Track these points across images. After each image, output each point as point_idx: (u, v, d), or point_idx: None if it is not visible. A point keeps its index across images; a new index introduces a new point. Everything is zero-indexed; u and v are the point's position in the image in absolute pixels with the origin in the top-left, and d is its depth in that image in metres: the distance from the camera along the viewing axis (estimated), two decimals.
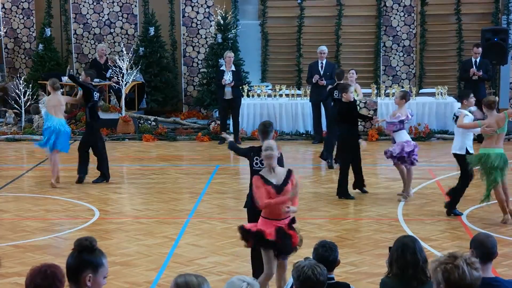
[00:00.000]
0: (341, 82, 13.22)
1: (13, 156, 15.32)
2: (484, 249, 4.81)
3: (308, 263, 4.57)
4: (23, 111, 17.18)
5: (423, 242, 8.26)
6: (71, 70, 18.77)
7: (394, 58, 19.05)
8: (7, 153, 15.54)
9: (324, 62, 15.96)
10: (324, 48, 16.08)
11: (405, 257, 4.92)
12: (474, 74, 15.68)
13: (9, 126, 17.34)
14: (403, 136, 11.25)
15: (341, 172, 11.49)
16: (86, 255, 3.99)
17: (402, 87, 17.16)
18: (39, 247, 9.09)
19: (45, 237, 9.51)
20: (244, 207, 7.91)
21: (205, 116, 18.38)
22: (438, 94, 16.73)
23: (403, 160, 11.08)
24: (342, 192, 11.37)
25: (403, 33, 18.96)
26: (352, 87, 11.81)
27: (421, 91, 17.70)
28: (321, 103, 15.77)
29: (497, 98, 11.13)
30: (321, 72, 15.83)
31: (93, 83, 13.26)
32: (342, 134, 11.54)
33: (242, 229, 7.13)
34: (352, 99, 11.51)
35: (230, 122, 16.41)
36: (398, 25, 18.95)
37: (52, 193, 11.88)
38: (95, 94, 12.59)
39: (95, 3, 19.38)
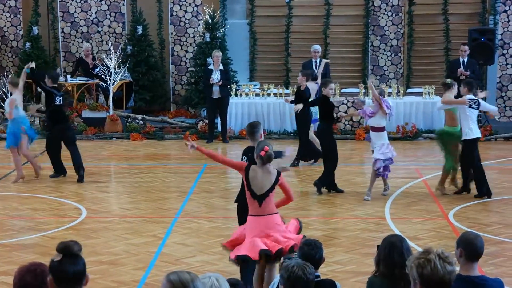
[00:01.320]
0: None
1: None
2: (473, 249, 4.82)
3: (296, 263, 4.55)
4: None
5: (410, 241, 8.29)
6: (58, 69, 18.70)
7: (382, 57, 19.10)
8: None
9: (318, 60, 16.00)
10: (317, 47, 16.11)
11: (392, 256, 4.93)
12: (461, 74, 15.74)
13: None
14: (384, 138, 11.30)
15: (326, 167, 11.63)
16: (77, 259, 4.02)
17: (390, 86, 17.22)
18: (26, 246, 9.06)
19: (32, 236, 9.48)
20: (235, 201, 7.93)
21: (193, 115, 18.36)
22: (426, 93, 16.79)
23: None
24: (333, 186, 11.60)
25: (390, 32, 19.02)
26: (333, 83, 11.93)
27: (408, 90, 17.75)
28: None
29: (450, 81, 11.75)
30: (316, 71, 15.88)
31: (56, 85, 12.82)
32: (322, 130, 11.71)
33: (225, 247, 7.26)
34: (332, 95, 11.60)
35: (218, 121, 16.41)
36: (386, 25, 19.01)
37: (39, 191, 11.85)
38: (57, 98, 12.47)
39: (82, 2, 19.32)
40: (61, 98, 12.59)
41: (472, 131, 11.00)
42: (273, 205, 7.05)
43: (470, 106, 10.94)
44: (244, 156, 7.66)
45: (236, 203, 7.88)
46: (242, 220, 7.55)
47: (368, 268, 7.64)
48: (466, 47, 16.06)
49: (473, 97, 11.05)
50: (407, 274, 4.88)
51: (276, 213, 7.06)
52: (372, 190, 11.33)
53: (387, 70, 19.15)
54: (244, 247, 7.00)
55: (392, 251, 4.95)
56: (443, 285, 3.65)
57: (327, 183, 11.63)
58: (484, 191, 11.24)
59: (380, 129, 11.33)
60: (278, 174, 7.04)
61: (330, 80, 12.55)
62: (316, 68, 15.97)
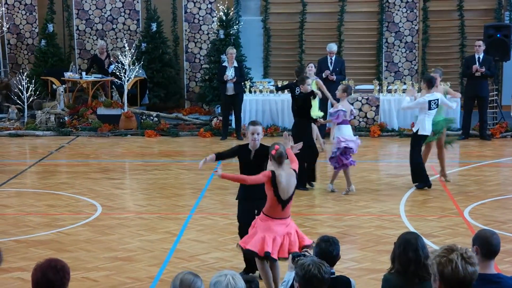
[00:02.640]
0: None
1: (15, 152, 15.33)
2: (489, 246, 4.79)
3: (312, 261, 4.52)
4: (25, 106, 17.19)
5: (425, 238, 8.27)
6: (74, 66, 18.78)
7: (396, 54, 19.03)
8: (10, 148, 15.56)
9: (333, 58, 16.01)
10: (332, 46, 16.06)
11: (407, 253, 4.92)
12: (476, 71, 15.67)
13: (12, 122, 17.36)
14: (345, 131, 11.25)
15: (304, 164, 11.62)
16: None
17: (404, 83, 17.17)
18: (41, 242, 9.10)
19: (47, 232, 9.53)
20: (236, 199, 7.99)
21: (207, 112, 18.38)
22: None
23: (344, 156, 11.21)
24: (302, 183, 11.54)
25: (405, 29, 18.95)
26: (309, 79, 11.99)
27: None
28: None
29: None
30: (331, 68, 15.90)
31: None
32: (297, 126, 11.65)
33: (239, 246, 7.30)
34: (310, 91, 11.60)
35: (232, 118, 16.42)
36: (400, 21, 18.94)
37: (55, 188, 11.90)
38: None
39: None
40: None
41: (424, 129, 11.29)
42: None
43: (429, 108, 11.21)
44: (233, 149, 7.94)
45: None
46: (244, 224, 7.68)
47: (382, 266, 7.63)
48: (482, 43, 15.98)
49: (432, 97, 11.17)
50: (422, 271, 4.90)
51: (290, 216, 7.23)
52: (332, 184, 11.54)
53: (402, 66, 19.08)
54: (256, 242, 7.03)
55: (407, 248, 4.93)
56: (463, 285, 3.62)
57: (307, 177, 11.65)
58: (423, 184, 11.63)
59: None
60: (296, 174, 7.08)
61: (307, 76, 12.52)
62: (330, 65, 15.97)
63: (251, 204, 7.68)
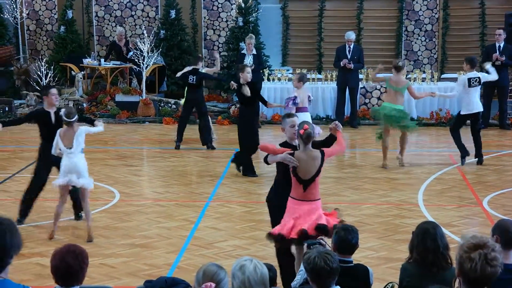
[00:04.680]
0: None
1: (34, 138, 15.37)
2: (509, 236, 4.77)
3: (318, 253, 4.47)
4: None
5: (444, 228, 8.23)
6: (92, 53, 18.81)
7: (416, 42, 18.90)
8: (28, 134, 15.62)
9: (352, 46, 15.96)
10: (350, 34, 16.02)
11: (425, 243, 4.90)
12: (497, 59, 15.53)
13: (31, 108, 17.44)
14: (303, 118, 11.21)
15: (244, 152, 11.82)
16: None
17: (424, 72, 17.05)
18: (60, 228, 9.14)
19: (66, 218, 9.57)
20: (266, 200, 7.54)
21: (225, 100, 18.36)
22: None
23: None
24: (247, 170, 11.74)
25: (425, 17, 18.80)
26: (249, 67, 12.11)
27: (443, 76, 17.56)
28: (347, 88, 15.85)
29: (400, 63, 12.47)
30: (349, 56, 15.84)
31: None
32: (241, 114, 12.01)
33: (270, 236, 6.94)
34: (249, 80, 11.80)
35: None
36: (420, 10, 18.79)
37: None
38: None
39: None
40: None
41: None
42: (318, 191, 6.91)
43: (469, 85, 11.98)
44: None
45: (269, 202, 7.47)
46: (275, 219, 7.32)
47: (400, 255, 7.60)
48: (502, 32, 15.83)
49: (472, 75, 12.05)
50: (440, 260, 4.87)
51: (318, 199, 6.93)
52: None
53: (421, 55, 18.94)
54: (281, 227, 6.88)
55: (425, 238, 4.92)
56: (481, 282, 3.62)
57: (242, 162, 11.80)
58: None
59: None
60: (323, 156, 6.84)
61: (247, 64, 12.63)
62: (349, 53, 15.91)
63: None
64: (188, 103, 14.00)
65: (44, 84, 16.79)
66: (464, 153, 12.30)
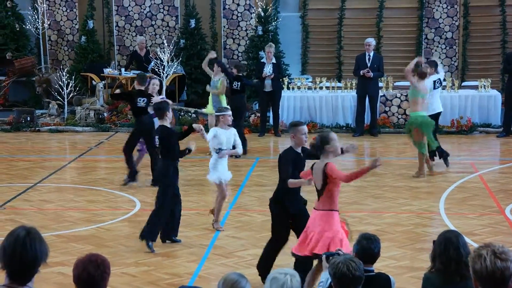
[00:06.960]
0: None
1: (56, 147, 15.51)
2: None
3: (343, 259, 4.51)
4: (66, 102, 17.37)
5: (466, 236, 8.17)
6: (113, 63, 18.92)
7: (436, 50, 18.82)
8: (50, 144, 15.75)
9: (371, 54, 15.92)
10: (370, 40, 16.00)
11: (448, 252, 4.86)
12: None
13: (52, 117, 17.57)
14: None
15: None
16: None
17: (445, 79, 16.94)
18: (81, 237, 9.20)
19: (87, 227, 9.62)
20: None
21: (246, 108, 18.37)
22: (481, 87, 16.49)
23: None
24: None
25: (445, 25, 18.73)
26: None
27: (463, 83, 17.48)
28: (367, 96, 15.80)
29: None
30: (368, 64, 15.80)
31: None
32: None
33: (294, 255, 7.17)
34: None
35: (270, 114, 16.40)
36: (440, 17, 18.72)
37: (94, 184, 12.01)
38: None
39: None
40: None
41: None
42: (330, 203, 6.93)
43: (434, 87, 12.77)
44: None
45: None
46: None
47: (422, 264, 7.55)
48: None
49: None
50: (463, 269, 4.83)
51: (329, 210, 6.95)
52: None
53: (442, 63, 18.84)
54: (298, 246, 7.07)
55: (448, 247, 4.88)
56: (495, 280, 3.57)
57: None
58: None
59: None
60: (325, 167, 6.85)
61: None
62: (368, 62, 15.87)
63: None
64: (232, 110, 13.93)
65: (66, 93, 16.88)
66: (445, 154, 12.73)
